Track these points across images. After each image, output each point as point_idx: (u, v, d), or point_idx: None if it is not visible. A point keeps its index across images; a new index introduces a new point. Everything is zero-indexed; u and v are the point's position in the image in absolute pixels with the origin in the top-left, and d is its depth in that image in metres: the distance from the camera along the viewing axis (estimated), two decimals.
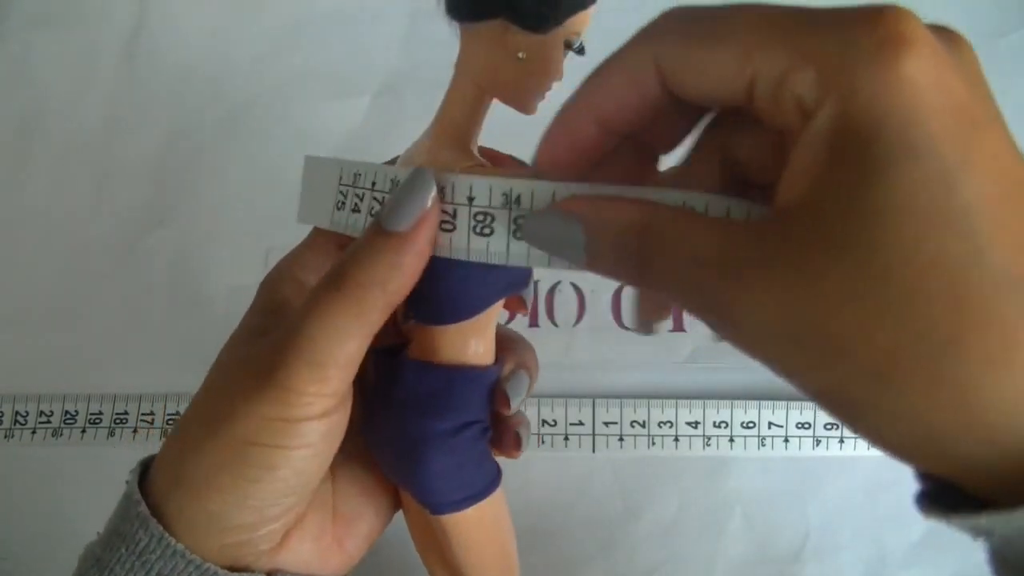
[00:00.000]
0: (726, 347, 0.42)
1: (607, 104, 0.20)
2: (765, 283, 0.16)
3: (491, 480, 0.27)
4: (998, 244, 0.15)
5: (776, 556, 0.42)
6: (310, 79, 0.48)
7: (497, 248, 0.22)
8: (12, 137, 0.48)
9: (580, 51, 0.24)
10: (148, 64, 0.48)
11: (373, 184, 0.24)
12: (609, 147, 0.21)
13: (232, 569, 0.23)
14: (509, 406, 0.27)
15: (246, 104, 0.48)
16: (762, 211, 0.19)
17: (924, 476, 0.18)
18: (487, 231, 0.22)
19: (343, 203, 0.25)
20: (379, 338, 0.23)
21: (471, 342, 0.26)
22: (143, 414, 0.44)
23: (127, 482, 0.24)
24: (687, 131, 0.22)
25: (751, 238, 0.17)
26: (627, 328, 0.44)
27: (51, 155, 0.47)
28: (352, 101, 0.47)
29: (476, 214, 0.22)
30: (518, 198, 0.21)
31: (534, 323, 0.44)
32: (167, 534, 0.23)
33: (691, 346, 0.44)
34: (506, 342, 0.28)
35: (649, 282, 0.19)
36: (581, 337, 0.44)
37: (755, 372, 0.43)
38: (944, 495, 0.17)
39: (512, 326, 0.44)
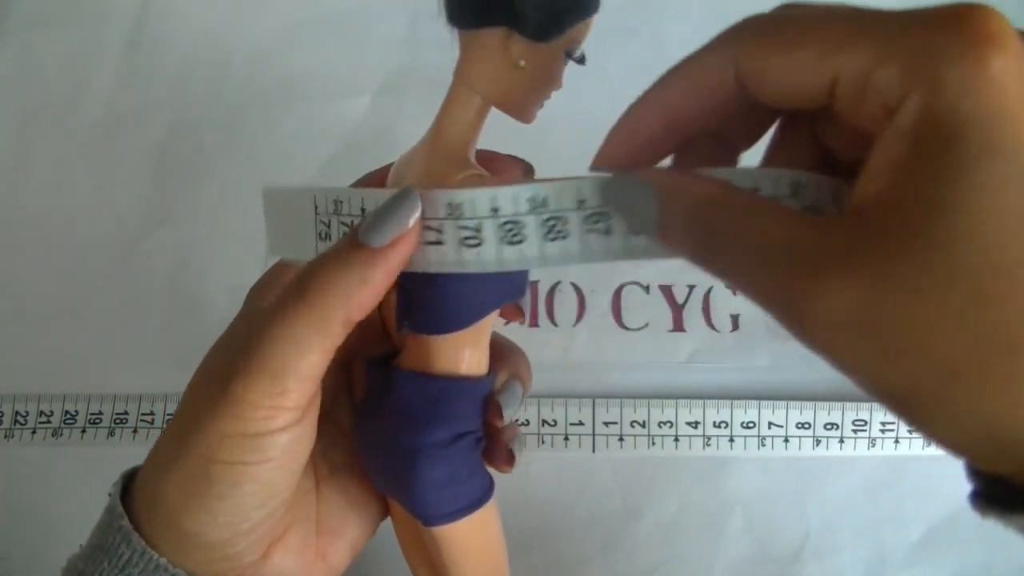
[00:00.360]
0: (726, 347, 0.42)
1: (680, 105, 0.20)
2: (840, 276, 0.16)
3: (484, 491, 0.27)
4: None
5: (776, 556, 0.42)
6: (310, 79, 0.48)
7: (488, 257, 0.22)
8: (12, 137, 0.48)
9: (580, 60, 0.23)
10: (148, 64, 0.48)
11: (363, 210, 0.23)
12: (671, 149, 0.21)
13: None
14: (502, 417, 0.26)
15: (246, 104, 0.48)
16: (843, 187, 0.19)
17: (976, 473, 0.18)
18: (474, 242, 0.22)
19: (327, 233, 0.24)
20: (370, 346, 0.23)
21: (465, 353, 0.26)
22: (143, 414, 0.44)
23: (109, 495, 0.24)
24: (765, 129, 0.22)
25: (828, 230, 0.17)
26: (628, 328, 0.44)
27: (51, 155, 0.47)
28: (352, 101, 0.47)
29: (462, 227, 0.22)
30: (499, 208, 0.21)
31: (534, 323, 0.44)
32: (149, 548, 0.23)
33: (691, 346, 0.44)
34: (500, 351, 0.28)
35: (716, 263, 0.19)
36: (581, 337, 0.44)
37: (755, 372, 0.44)
38: (997, 493, 0.17)
39: (512, 327, 0.44)
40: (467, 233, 0.22)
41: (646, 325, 0.44)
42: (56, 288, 0.46)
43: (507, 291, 0.25)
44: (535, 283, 0.45)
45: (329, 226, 0.24)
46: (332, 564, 0.27)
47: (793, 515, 0.42)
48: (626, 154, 0.21)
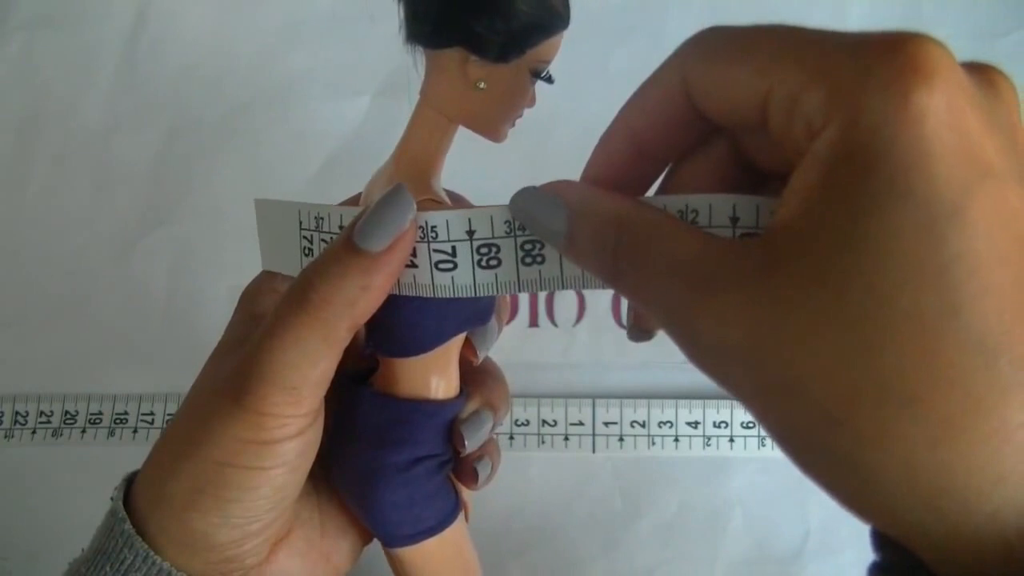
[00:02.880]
0: None
1: (640, 122, 0.20)
2: (734, 301, 0.16)
3: (446, 515, 0.27)
4: (978, 305, 0.14)
5: (776, 556, 0.42)
6: (310, 79, 0.48)
7: (463, 281, 0.21)
8: (12, 137, 0.48)
9: (548, 80, 0.23)
10: (148, 64, 0.48)
11: (341, 227, 0.23)
12: (650, 173, 0.21)
13: None
14: (465, 446, 0.26)
15: (246, 104, 0.48)
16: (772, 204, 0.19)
17: (882, 543, 0.17)
18: (448, 266, 0.21)
19: (310, 249, 0.24)
20: (355, 357, 0.23)
21: (431, 378, 0.25)
22: (143, 414, 0.44)
23: (112, 499, 0.24)
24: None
25: (731, 253, 0.16)
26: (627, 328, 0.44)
27: (51, 155, 0.47)
28: (352, 101, 0.47)
29: (436, 249, 0.21)
30: (475, 231, 0.21)
31: (534, 323, 0.44)
32: (152, 552, 0.22)
33: None
34: (478, 375, 0.28)
35: (620, 281, 0.19)
36: (581, 337, 0.44)
37: None
38: (897, 564, 0.16)
39: (512, 326, 0.44)
40: (441, 257, 0.21)
41: None
42: (56, 288, 0.46)
43: (470, 316, 0.25)
44: None
45: (311, 242, 0.24)
46: (336, 565, 0.27)
47: (793, 515, 0.42)
48: (603, 176, 0.21)
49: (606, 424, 0.43)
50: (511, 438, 0.42)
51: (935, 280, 0.14)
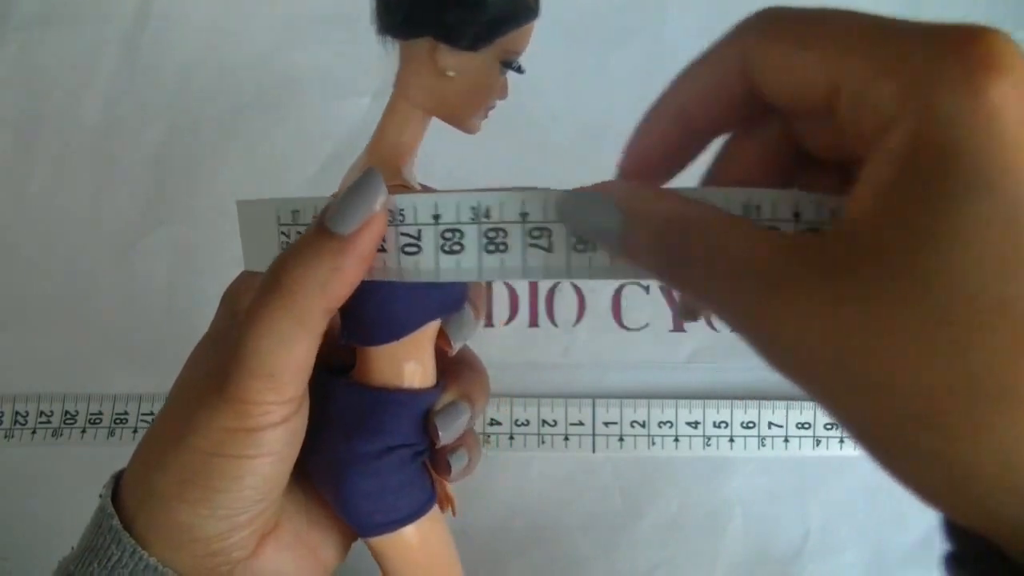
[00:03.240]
0: (726, 347, 0.42)
1: (693, 104, 0.20)
2: (810, 301, 0.15)
3: (419, 505, 0.26)
4: None
5: (776, 556, 0.42)
6: (310, 79, 0.48)
7: (427, 266, 0.21)
8: (12, 137, 0.48)
9: (519, 70, 0.23)
10: (148, 64, 0.48)
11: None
12: (694, 149, 0.21)
13: None
14: (439, 437, 0.26)
15: (246, 104, 0.48)
16: (839, 203, 0.19)
17: (955, 533, 0.17)
18: (413, 250, 0.21)
19: (287, 243, 0.24)
20: (326, 352, 0.23)
21: (404, 366, 0.25)
22: (143, 414, 0.44)
23: (100, 496, 0.24)
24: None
25: (801, 251, 0.16)
26: (628, 328, 0.44)
27: (51, 155, 0.47)
28: (352, 101, 0.47)
29: (403, 233, 0.21)
30: (440, 215, 0.21)
31: (534, 323, 0.44)
32: (139, 548, 0.22)
33: (691, 346, 0.44)
34: (455, 366, 0.27)
35: (683, 283, 0.18)
36: (581, 337, 0.44)
37: (755, 372, 0.43)
38: (972, 555, 0.16)
39: (512, 326, 0.44)
40: (407, 240, 0.21)
41: (646, 325, 0.44)
42: (56, 288, 0.46)
43: (440, 304, 0.25)
44: (535, 282, 0.45)
45: (289, 237, 0.24)
46: (323, 560, 0.27)
47: (793, 515, 0.42)
48: (647, 163, 0.21)
49: (606, 424, 0.43)
50: (511, 438, 0.42)
51: (1021, 272, 0.14)
